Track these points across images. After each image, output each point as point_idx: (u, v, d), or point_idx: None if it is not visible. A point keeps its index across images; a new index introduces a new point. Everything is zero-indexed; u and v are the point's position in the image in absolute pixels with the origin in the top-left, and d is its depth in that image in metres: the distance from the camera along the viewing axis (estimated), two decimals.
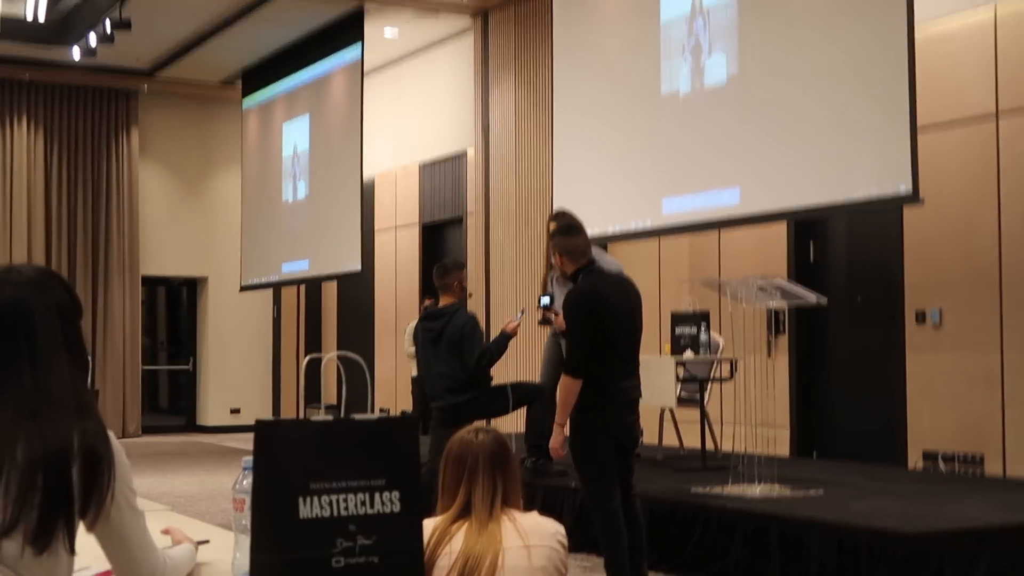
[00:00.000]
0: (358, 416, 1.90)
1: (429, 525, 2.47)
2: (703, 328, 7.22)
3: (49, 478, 1.80)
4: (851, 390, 8.24)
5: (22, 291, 1.91)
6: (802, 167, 7.08)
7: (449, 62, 12.28)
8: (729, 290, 6.25)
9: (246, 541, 2.01)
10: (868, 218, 7.93)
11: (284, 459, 1.81)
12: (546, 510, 6.09)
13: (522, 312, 7.03)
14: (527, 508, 2.72)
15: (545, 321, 5.76)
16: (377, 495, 1.86)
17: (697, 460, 7.23)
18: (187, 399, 15.51)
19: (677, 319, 7.43)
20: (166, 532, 2.29)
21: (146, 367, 14.97)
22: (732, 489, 5.98)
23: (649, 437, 8.09)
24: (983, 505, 5.54)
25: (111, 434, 1.92)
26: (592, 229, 7.85)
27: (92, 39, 11.93)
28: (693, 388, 7.42)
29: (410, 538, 1.89)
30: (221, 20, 11.98)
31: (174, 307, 15.89)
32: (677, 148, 8.03)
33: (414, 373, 10.68)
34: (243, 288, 14.21)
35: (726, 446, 7.59)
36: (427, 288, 12.14)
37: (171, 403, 15.84)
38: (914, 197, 6.41)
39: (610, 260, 6.68)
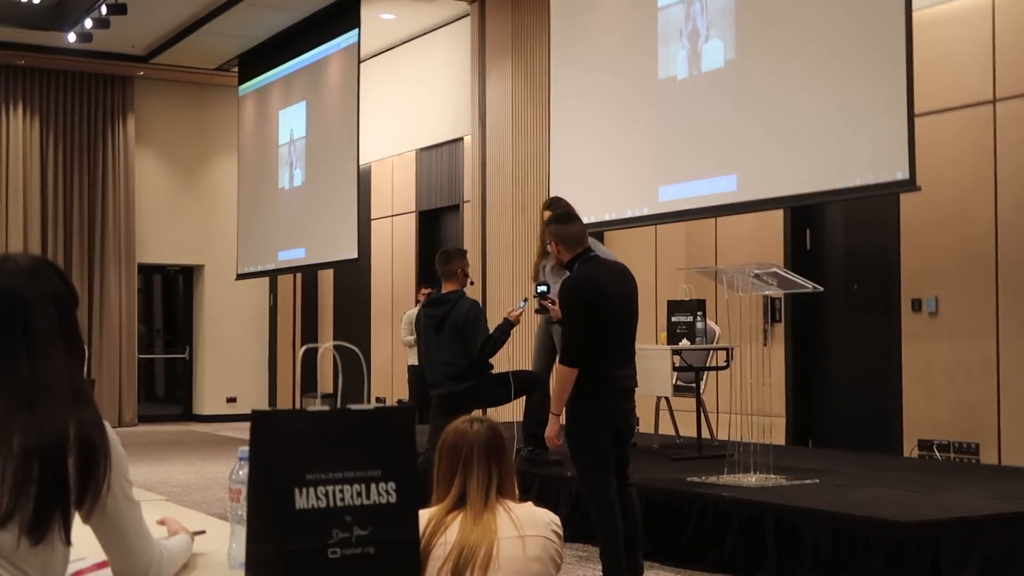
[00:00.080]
0: (354, 406, 1.89)
1: (424, 516, 2.47)
2: (699, 316, 7.22)
3: (45, 468, 1.80)
4: (847, 378, 8.25)
5: (18, 280, 1.91)
6: (799, 154, 7.07)
7: (446, 48, 12.25)
8: (725, 278, 6.24)
9: (242, 531, 2.01)
10: (865, 205, 7.93)
11: (280, 449, 1.80)
12: (542, 500, 6.11)
13: (525, 300, 7.02)
14: (523, 498, 2.72)
15: (542, 309, 5.76)
16: (373, 486, 1.85)
17: (693, 449, 7.23)
18: (183, 388, 15.52)
19: (673, 307, 7.43)
20: (162, 523, 2.29)
21: (142, 356, 14.97)
22: (728, 478, 5.99)
23: (645, 426, 8.10)
24: (979, 493, 5.55)
25: (107, 424, 1.92)
26: (588, 217, 7.86)
27: (87, 24, 11.90)
28: (689, 377, 7.42)
29: (406, 529, 1.88)
30: (217, 5, 11.95)
31: (170, 295, 15.87)
32: (674, 135, 8.02)
33: (410, 362, 10.68)
34: (239, 276, 14.19)
35: (722, 435, 7.61)
36: (424, 276, 12.14)
37: (167, 392, 15.83)
38: (911, 184, 6.40)
39: (605, 251, 6.67)
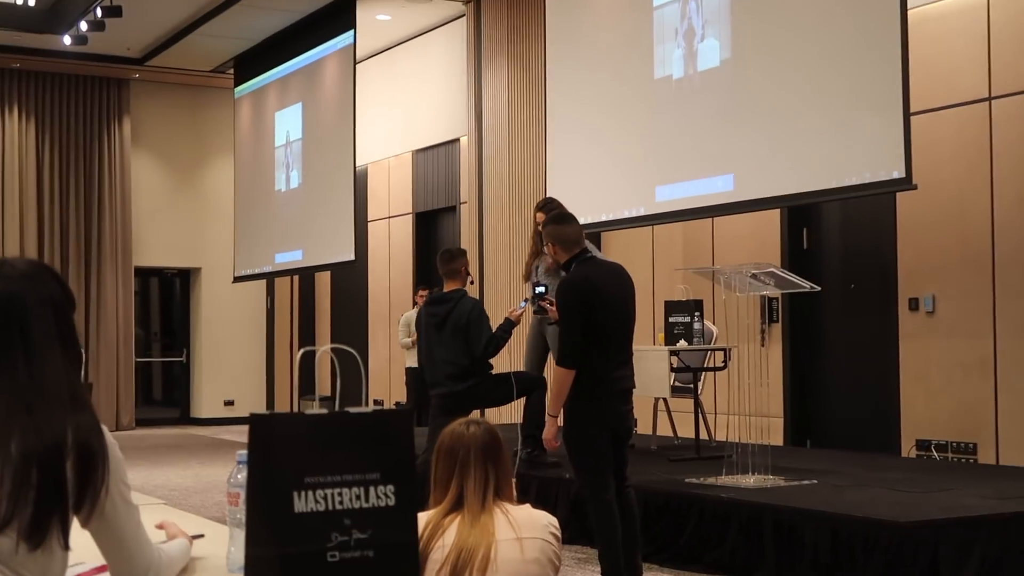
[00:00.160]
0: (353, 409, 1.89)
1: (422, 519, 2.46)
2: (697, 317, 7.22)
3: (43, 473, 1.79)
4: (845, 378, 8.25)
5: (15, 285, 1.90)
6: (795, 154, 7.07)
7: (442, 49, 12.25)
8: (723, 278, 6.24)
9: (241, 535, 2.01)
10: (861, 204, 7.93)
11: (279, 453, 1.80)
12: (540, 501, 6.11)
13: (525, 300, 7.03)
14: (521, 500, 2.72)
15: (540, 310, 5.76)
16: (372, 489, 1.85)
17: (691, 450, 7.23)
18: (181, 391, 15.50)
19: (671, 308, 7.43)
20: (161, 527, 2.29)
21: (139, 359, 14.96)
22: (726, 479, 5.98)
23: (643, 427, 8.09)
24: (977, 493, 5.55)
25: (105, 428, 1.91)
26: (585, 217, 7.87)
27: (83, 27, 11.89)
28: (687, 378, 7.42)
29: (405, 532, 1.88)
30: (212, 7, 11.94)
31: (167, 298, 15.86)
32: (670, 134, 8.02)
33: (408, 364, 10.67)
34: (236, 279, 14.18)
35: (720, 436, 7.60)
36: (421, 278, 12.14)
37: (165, 395, 15.82)
38: (907, 182, 6.41)
39: (600, 256, 6.67)
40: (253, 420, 1.80)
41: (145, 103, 14.85)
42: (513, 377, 6.77)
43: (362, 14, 11.61)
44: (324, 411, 1.88)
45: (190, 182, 15.20)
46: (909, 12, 6.46)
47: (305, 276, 14.47)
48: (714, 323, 7.80)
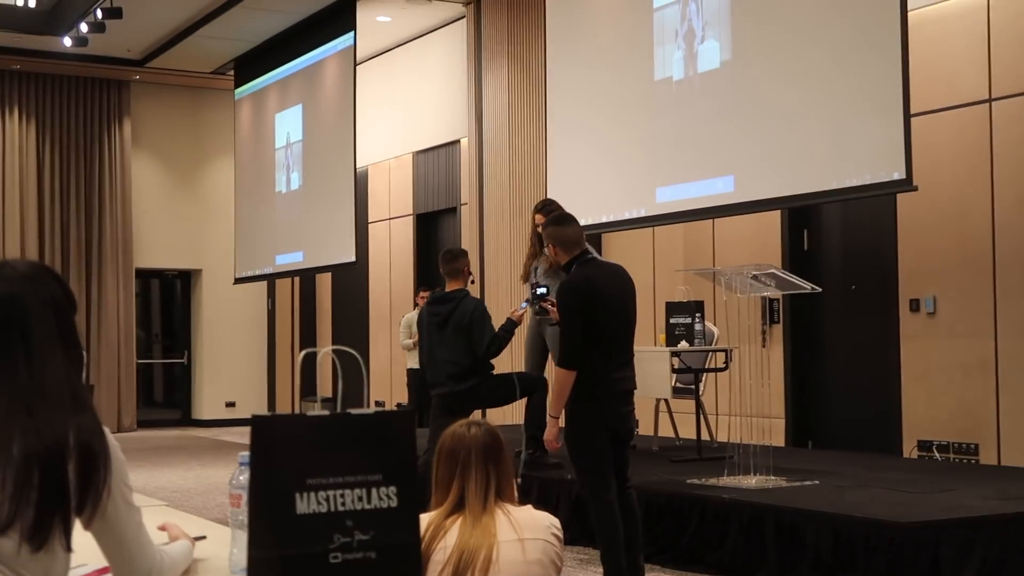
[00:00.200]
0: (355, 411, 1.89)
1: (423, 520, 2.46)
2: (698, 318, 7.22)
3: (45, 475, 1.79)
4: (846, 379, 8.25)
5: (16, 286, 1.90)
6: (795, 155, 7.07)
7: (442, 50, 12.25)
8: (723, 279, 6.25)
9: (243, 537, 2.00)
10: (862, 206, 7.93)
11: (281, 454, 1.80)
12: (542, 502, 6.11)
13: (527, 301, 7.04)
14: (523, 501, 2.72)
15: (541, 311, 5.76)
16: (374, 490, 1.85)
17: (692, 451, 7.23)
18: (182, 393, 15.50)
19: (672, 309, 7.43)
20: (163, 528, 2.29)
21: (141, 361, 14.96)
22: (728, 480, 5.98)
23: (644, 428, 8.09)
24: (978, 494, 5.54)
25: (106, 429, 1.91)
26: (586, 218, 7.87)
27: (83, 28, 11.89)
28: (688, 379, 7.42)
29: (408, 533, 1.88)
30: (212, 9, 11.95)
31: (168, 300, 15.86)
32: (671, 136, 8.02)
33: (409, 365, 10.67)
34: (237, 280, 14.19)
35: (721, 437, 7.61)
36: (422, 279, 12.14)
37: (166, 397, 15.82)
38: (908, 184, 6.41)
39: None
40: (255, 422, 1.80)
41: (145, 105, 14.85)
42: (516, 377, 6.77)
43: (362, 15, 11.62)
44: (326, 412, 1.88)
45: (191, 183, 15.20)
46: (909, 13, 6.46)
47: (306, 278, 14.48)
48: (715, 324, 7.80)
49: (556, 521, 2.64)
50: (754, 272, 6.08)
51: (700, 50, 7.77)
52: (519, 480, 6.39)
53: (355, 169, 11.63)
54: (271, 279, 14.43)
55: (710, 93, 7.68)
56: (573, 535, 6.01)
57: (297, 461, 1.80)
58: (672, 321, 7.35)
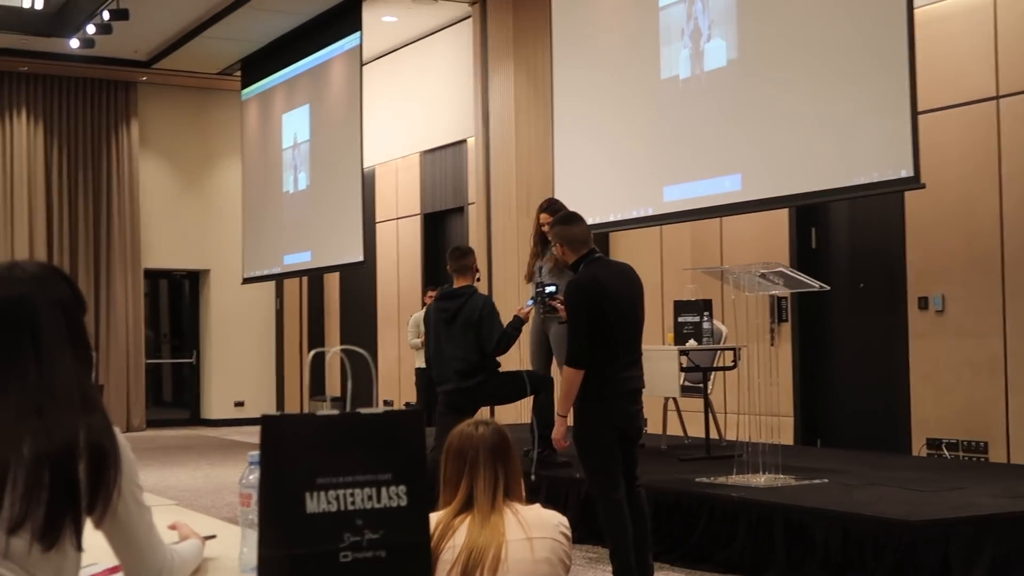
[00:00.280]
0: (364, 410, 1.89)
1: (432, 519, 2.46)
2: (706, 317, 7.22)
3: (55, 474, 1.80)
4: (855, 377, 8.24)
5: (26, 287, 1.91)
6: (803, 153, 7.06)
7: (448, 50, 12.26)
8: (731, 278, 6.24)
9: (253, 536, 2.01)
10: (869, 204, 7.92)
11: (290, 454, 1.80)
12: (551, 501, 6.11)
13: (532, 299, 7.05)
14: (532, 499, 2.72)
15: (550, 310, 5.77)
16: (384, 489, 1.85)
17: (701, 450, 7.23)
18: (191, 392, 15.53)
19: (680, 308, 7.42)
20: (173, 527, 2.29)
21: (149, 361, 14.98)
22: (736, 478, 5.98)
23: (653, 427, 8.09)
24: (988, 492, 5.54)
25: (117, 429, 1.92)
26: (593, 217, 7.87)
27: (90, 30, 11.92)
28: (696, 377, 7.41)
29: (418, 532, 1.88)
30: (219, 10, 11.96)
31: (176, 300, 15.89)
32: (678, 135, 8.02)
33: (417, 364, 10.68)
34: (245, 280, 14.21)
35: (730, 435, 7.60)
36: (430, 279, 12.14)
37: (175, 397, 15.85)
38: (915, 181, 6.40)
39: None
40: (265, 421, 1.81)
41: (152, 106, 14.88)
42: (525, 375, 6.77)
43: (368, 16, 11.63)
44: (335, 412, 1.89)
45: (198, 184, 15.22)
46: (916, 11, 6.46)
47: (314, 277, 14.50)
48: (723, 323, 7.79)
49: (564, 520, 2.64)
50: (762, 270, 6.07)
51: (706, 49, 7.77)
52: (533, 478, 6.39)
53: (362, 169, 11.64)
54: (279, 279, 14.45)
55: (717, 92, 7.68)
56: (582, 534, 6.01)
57: (307, 460, 1.80)
58: (680, 320, 7.34)
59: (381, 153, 13.22)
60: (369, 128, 11.91)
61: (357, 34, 11.59)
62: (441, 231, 12.72)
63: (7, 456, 1.79)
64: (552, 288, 5.91)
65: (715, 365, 7.47)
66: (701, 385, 7.35)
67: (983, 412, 7.20)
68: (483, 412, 10.14)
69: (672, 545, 5.81)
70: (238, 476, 2.24)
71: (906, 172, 6.41)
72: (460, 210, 12.19)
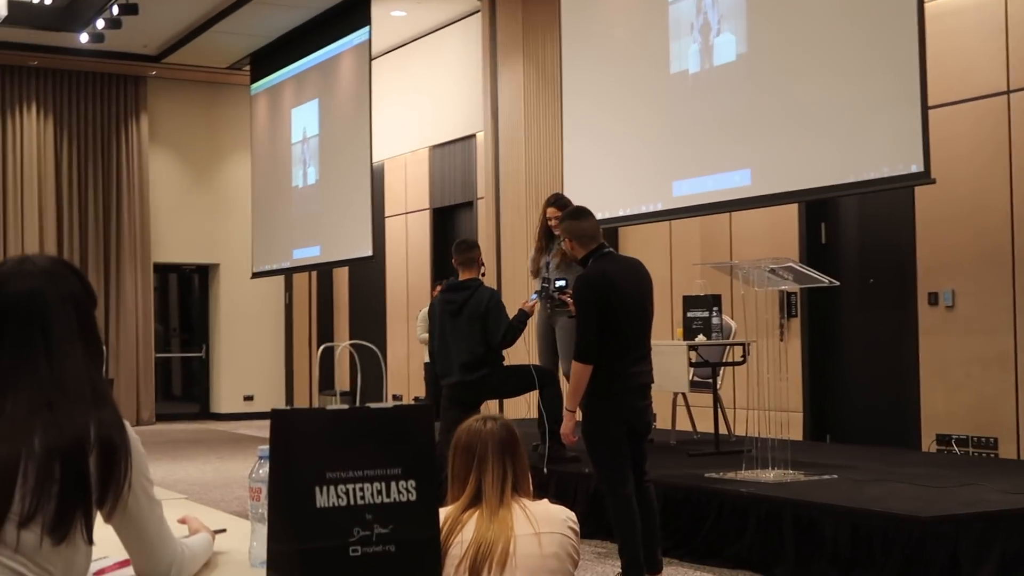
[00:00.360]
0: (373, 404, 1.89)
1: (440, 515, 2.47)
2: (715, 312, 7.21)
3: (66, 468, 1.80)
4: (864, 373, 8.22)
5: (36, 282, 1.91)
6: (812, 148, 7.05)
7: (457, 44, 12.25)
8: (741, 273, 6.23)
9: (263, 530, 2.01)
10: (879, 199, 7.90)
11: (300, 448, 1.81)
12: (560, 496, 6.11)
13: (536, 293, 7.05)
14: (541, 494, 2.72)
15: (561, 304, 5.77)
16: (393, 484, 1.85)
17: (710, 445, 7.22)
18: (200, 386, 15.56)
19: (689, 303, 7.42)
20: (183, 521, 2.29)
21: (159, 355, 15.02)
22: (745, 474, 5.97)
23: (662, 422, 8.09)
24: (997, 488, 5.52)
25: (127, 423, 1.92)
26: (603, 213, 7.86)
27: (99, 24, 11.94)
28: (705, 372, 7.41)
29: (427, 526, 1.88)
30: (228, 4, 11.97)
31: (186, 294, 15.92)
32: (687, 129, 8.00)
33: (426, 359, 10.68)
34: (255, 275, 14.23)
35: (739, 431, 7.59)
36: (439, 273, 12.15)
37: (184, 390, 15.88)
38: (926, 176, 6.38)
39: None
40: (274, 416, 1.81)
41: (162, 100, 14.90)
42: (532, 368, 6.77)
43: (377, 10, 11.63)
44: (345, 407, 1.89)
45: (208, 178, 15.24)
46: (926, 5, 6.43)
47: (323, 272, 14.51)
48: (732, 318, 7.78)
49: (572, 515, 2.64)
50: (771, 266, 6.06)
51: (716, 43, 7.75)
52: (545, 471, 6.39)
53: (371, 163, 11.65)
54: (288, 273, 14.48)
55: (726, 86, 7.66)
56: (591, 529, 6.01)
57: (316, 455, 1.80)
58: (689, 315, 7.34)
59: (390, 148, 13.22)
60: (378, 123, 11.91)
61: (366, 29, 11.60)
62: (450, 226, 12.72)
63: (18, 450, 1.79)
64: (562, 282, 5.91)
65: (724, 360, 7.47)
66: (710, 380, 7.35)
67: (993, 408, 7.19)
68: (491, 407, 10.14)
69: (681, 540, 5.81)
70: (247, 470, 2.25)
71: (916, 167, 6.40)
72: (469, 205, 12.19)
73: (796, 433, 8.15)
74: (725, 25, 7.67)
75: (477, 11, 11.54)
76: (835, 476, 6.02)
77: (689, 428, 8.05)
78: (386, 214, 13.49)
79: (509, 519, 2.54)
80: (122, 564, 2.08)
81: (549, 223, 7.02)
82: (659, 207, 8.30)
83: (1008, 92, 7.12)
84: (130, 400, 14.14)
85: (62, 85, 14.25)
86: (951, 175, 7.14)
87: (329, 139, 12.49)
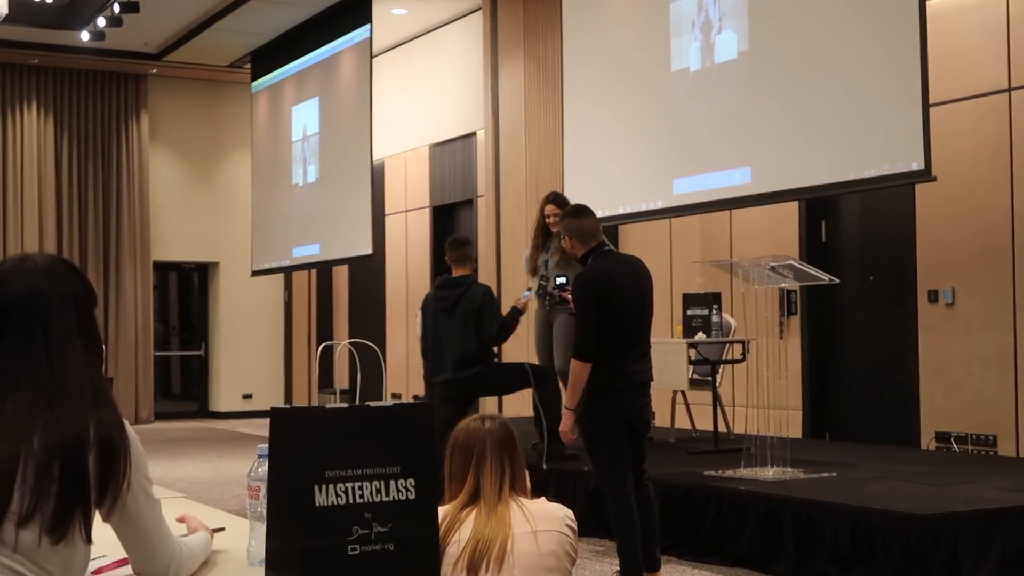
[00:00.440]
0: (373, 403, 1.89)
1: (439, 513, 2.47)
2: (715, 310, 7.21)
3: (65, 467, 1.80)
4: (864, 371, 8.23)
5: (37, 281, 1.91)
6: (813, 146, 7.05)
7: (458, 43, 12.25)
8: (741, 271, 6.23)
9: (261, 528, 2.01)
10: (880, 197, 7.90)
11: (299, 447, 1.81)
12: (559, 494, 6.12)
13: (529, 290, 7.06)
14: (540, 493, 2.72)
15: (562, 301, 5.77)
16: (392, 482, 1.85)
17: (709, 443, 7.22)
18: (199, 385, 15.56)
19: (689, 301, 7.42)
20: (181, 520, 2.29)
21: (158, 353, 15.02)
22: (745, 472, 5.97)
23: (661, 420, 8.09)
24: (997, 485, 5.53)
25: (126, 422, 1.92)
26: (603, 210, 7.86)
27: (100, 22, 11.94)
28: (705, 370, 7.41)
29: (426, 525, 1.88)
30: (229, 2, 11.97)
31: (185, 293, 15.92)
32: (688, 127, 8.00)
33: None
34: (254, 273, 14.23)
35: (738, 428, 7.59)
36: (438, 271, 12.14)
37: (183, 389, 15.88)
38: (926, 174, 6.38)
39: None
40: (274, 414, 1.81)
41: (163, 98, 14.89)
42: (528, 366, 6.78)
43: (378, 8, 11.62)
44: (345, 405, 1.89)
45: (208, 176, 15.24)
46: (927, 3, 6.43)
47: (323, 270, 14.51)
48: (732, 316, 7.78)
49: (570, 512, 2.64)
50: (771, 263, 6.06)
51: (717, 41, 7.75)
52: (544, 467, 6.39)
53: (371, 161, 11.65)
54: (288, 272, 14.48)
55: (727, 84, 7.66)
56: (590, 527, 6.02)
57: (316, 453, 1.80)
58: (689, 313, 7.34)
59: (390, 146, 13.21)
60: (378, 121, 11.91)
61: (367, 26, 11.60)
62: (450, 224, 12.72)
63: (18, 449, 1.79)
64: (562, 279, 5.92)
65: (724, 358, 7.47)
66: (710, 378, 7.35)
67: (992, 406, 7.19)
68: (491, 406, 10.14)
69: (680, 538, 5.81)
70: (246, 469, 2.25)
71: (917, 165, 6.40)
72: (469, 203, 12.19)
73: (795, 431, 8.15)
74: (726, 23, 7.66)
75: (478, 9, 11.53)
76: (834, 474, 6.02)
77: (688, 426, 8.05)
78: (386, 212, 13.49)
79: (507, 517, 2.54)
80: (121, 563, 2.08)
81: (547, 220, 7.02)
82: (659, 205, 8.30)
83: (1009, 90, 7.11)
84: (129, 398, 14.14)
85: (62, 83, 14.25)
86: (952, 173, 7.14)
87: (329, 137, 12.48)
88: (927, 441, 7.52)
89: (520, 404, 8.99)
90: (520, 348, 8.15)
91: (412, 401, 10.53)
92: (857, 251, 8.30)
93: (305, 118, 13.02)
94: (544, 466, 6.40)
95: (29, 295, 1.89)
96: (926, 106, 6.30)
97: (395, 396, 12.98)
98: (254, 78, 14.22)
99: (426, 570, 1.87)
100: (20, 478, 1.78)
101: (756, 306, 6.85)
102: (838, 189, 7.18)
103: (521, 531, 2.53)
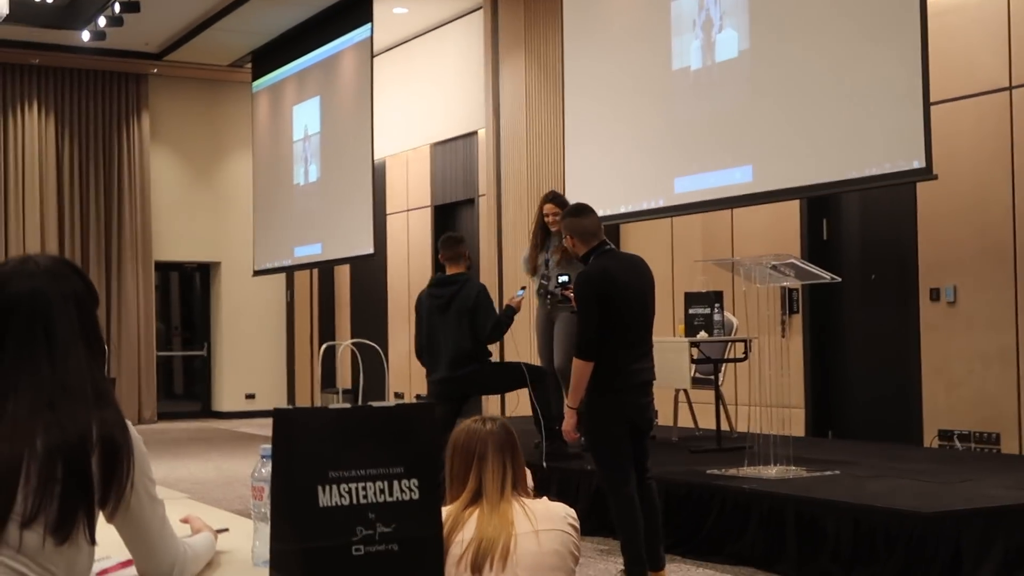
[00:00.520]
0: (376, 403, 1.89)
1: (442, 513, 2.47)
2: (717, 308, 7.21)
3: (69, 468, 1.80)
4: (866, 369, 8.22)
5: (38, 281, 1.91)
6: (814, 144, 7.04)
7: (459, 42, 12.24)
8: (742, 270, 6.23)
9: (265, 529, 2.02)
10: (881, 195, 7.90)
11: (303, 447, 1.81)
12: (561, 493, 6.12)
13: (523, 288, 7.06)
14: (542, 492, 2.72)
15: (565, 300, 5.78)
16: (396, 483, 1.85)
17: (712, 441, 7.22)
18: (202, 385, 15.56)
19: (690, 299, 7.42)
20: (185, 521, 2.30)
21: (160, 353, 15.02)
22: (747, 470, 5.97)
23: (664, 419, 8.09)
24: (1000, 483, 5.52)
25: (129, 423, 1.93)
26: (604, 209, 7.86)
27: (101, 22, 11.94)
28: (707, 369, 7.41)
29: (429, 525, 1.89)
30: (230, 2, 11.97)
31: (188, 292, 15.93)
32: (689, 126, 8.00)
33: None
34: (256, 273, 14.23)
35: (741, 427, 7.59)
36: (440, 271, 12.14)
37: (186, 389, 15.89)
38: (927, 172, 6.37)
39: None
40: (277, 415, 1.81)
41: (163, 98, 14.89)
42: (524, 366, 6.78)
43: (379, 7, 11.62)
44: (347, 405, 1.89)
45: (209, 176, 15.24)
46: (928, 1, 6.43)
47: (324, 270, 14.51)
48: (734, 314, 7.78)
49: (572, 511, 2.64)
50: (773, 262, 6.06)
51: (718, 39, 7.75)
52: (544, 465, 6.39)
53: (372, 161, 11.65)
54: (290, 271, 14.48)
55: (728, 82, 7.66)
56: (593, 526, 6.01)
57: (319, 454, 1.80)
58: (691, 311, 7.34)
59: (391, 145, 13.21)
60: (379, 120, 11.91)
61: (368, 26, 11.60)
62: (451, 223, 12.72)
63: (21, 450, 1.79)
64: (564, 278, 5.93)
65: (726, 357, 7.47)
66: (712, 377, 7.35)
67: (995, 404, 7.18)
68: (492, 406, 10.14)
69: (683, 537, 5.81)
70: (249, 469, 2.25)
71: (918, 163, 6.39)
72: (470, 202, 12.19)
73: (798, 429, 8.15)
74: (727, 21, 7.66)
75: (479, 8, 11.53)
76: (837, 472, 6.02)
77: (691, 424, 8.05)
78: (387, 211, 13.49)
79: (510, 516, 2.54)
80: (125, 564, 2.08)
81: (545, 220, 7.03)
82: (661, 204, 8.30)
83: (1010, 88, 7.11)
84: (132, 399, 14.14)
85: (63, 83, 14.25)
86: (953, 171, 7.13)
87: (330, 136, 12.48)
88: (930, 439, 7.52)
89: (521, 403, 8.99)
90: (520, 348, 8.14)
91: (415, 401, 10.52)
92: (858, 249, 8.29)
93: (306, 117, 13.02)
94: (544, 465, 6.40)
95: (31, 296, 1.90)
96: (927, 104, 6.30)
97: (398, 396, 12.98)
98: (255, 78, 14.22)
99: (430, 570, 1.87)
100: (23, 479, 1.78)
101: (758, 305, 6.84)
102: (839, 187, 7.17)
103: (524, 531, 2.53)
